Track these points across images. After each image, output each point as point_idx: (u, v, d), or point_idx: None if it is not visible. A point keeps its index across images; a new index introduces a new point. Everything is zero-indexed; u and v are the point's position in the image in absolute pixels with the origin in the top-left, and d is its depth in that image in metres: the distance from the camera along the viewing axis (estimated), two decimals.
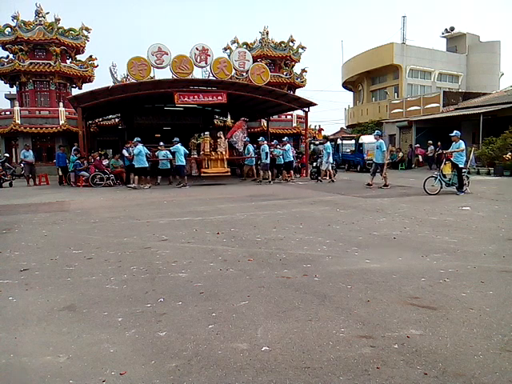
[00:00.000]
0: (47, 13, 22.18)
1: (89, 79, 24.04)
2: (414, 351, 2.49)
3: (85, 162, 15.68)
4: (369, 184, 12.91)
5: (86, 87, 23.99)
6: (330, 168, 15.63)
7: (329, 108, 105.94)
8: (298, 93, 26.21)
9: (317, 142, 22.81)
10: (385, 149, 12.84)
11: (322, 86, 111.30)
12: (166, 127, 23.01)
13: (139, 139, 14.56)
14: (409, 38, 34.22)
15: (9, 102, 34.88)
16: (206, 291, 3.63)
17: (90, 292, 3.68)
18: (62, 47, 22.10)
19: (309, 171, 17.85)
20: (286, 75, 26.05)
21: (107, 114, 22.89)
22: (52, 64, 21.59)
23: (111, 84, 18.14)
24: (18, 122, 21.05)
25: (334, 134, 35.34)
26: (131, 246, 5.39)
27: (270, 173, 15.59)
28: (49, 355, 2.57)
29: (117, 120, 23.73)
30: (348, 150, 24.86)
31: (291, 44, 26.24)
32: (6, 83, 23.18)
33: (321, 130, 33.00)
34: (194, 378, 2.25)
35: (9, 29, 21.63)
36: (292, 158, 16.30)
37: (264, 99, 18.28)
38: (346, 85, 40.25)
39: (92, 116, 20.65)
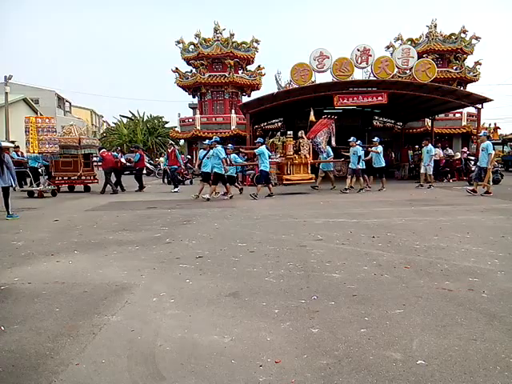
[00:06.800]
0: (223, 29, 24.80)
1: (257, 87, 25.94)
2: None
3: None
4: (473, 190, 11.50)
5: (254, 94, 25.86)
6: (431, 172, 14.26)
7: (508, 104, 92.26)
8: (470, 88, 23.38)
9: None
10: (491, 151, 11.33)
11: (500, 79, 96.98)
12: None
13: (218, 139, 13.54)
14: None
15: (191, 110, 40.19)
16: (358, 294, 3.61)
17: (251, 282, 4.02)
18: (236, 59, 24.33)
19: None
20: (456, 69, 23.49)
21: (271, 119, 24.33)
22: (226, 75, 24.00)
23: (275, 90, 19.31)
24: (199, 128, 24.06)
25: None
26: (288, 243, 5.68)
27: (362, 180, 13.26)
28: (216, 335, 2.88)
29: (279, 124, 25.02)
30: None
31: (463, 35, 23.47)
32: (189, 94, 26.78)
33: (496, 128, 28.84)
34: (344, 378, 2.27)
35: (192, 46, 24.86)
36: (384, 164, 13.84)
37: (429, 97, 16.89)
38: None
39: (258, 121, 22.29)
